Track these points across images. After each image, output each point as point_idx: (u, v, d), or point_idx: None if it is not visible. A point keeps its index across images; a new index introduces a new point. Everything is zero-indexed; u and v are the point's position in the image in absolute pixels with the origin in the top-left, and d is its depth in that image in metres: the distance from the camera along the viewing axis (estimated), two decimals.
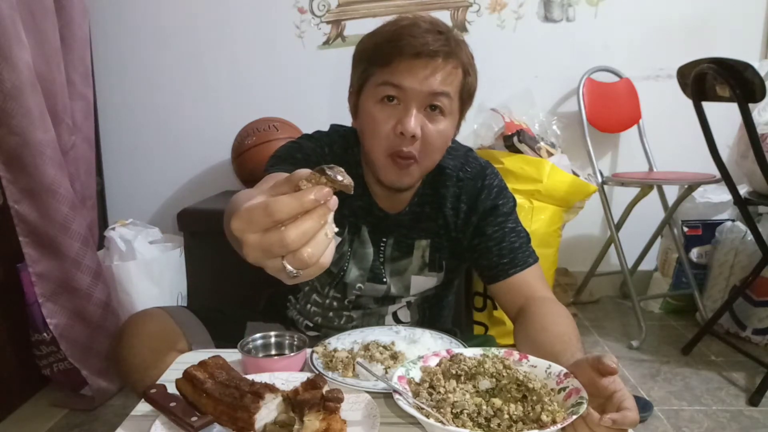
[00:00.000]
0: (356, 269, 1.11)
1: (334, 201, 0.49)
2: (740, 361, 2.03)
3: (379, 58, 0.95)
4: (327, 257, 0.50)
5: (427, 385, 0.75)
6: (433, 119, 0.96)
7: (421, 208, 1.10)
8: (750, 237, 2.11)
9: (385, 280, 1.11)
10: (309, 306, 1.17)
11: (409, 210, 1.09)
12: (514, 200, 1.12)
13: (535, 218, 2.07)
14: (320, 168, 0.49)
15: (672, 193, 2.39)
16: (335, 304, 1.14)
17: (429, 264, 1.11)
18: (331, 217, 0.50)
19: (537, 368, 0.78)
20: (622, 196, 2.47)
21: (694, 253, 2.43)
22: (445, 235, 1.10)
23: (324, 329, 1.16)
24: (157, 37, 2.48)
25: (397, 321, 1.16)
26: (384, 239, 1.11)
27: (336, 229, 0.51)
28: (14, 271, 1.70)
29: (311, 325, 1.17)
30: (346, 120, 1.14)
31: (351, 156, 1.09)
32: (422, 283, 1.13)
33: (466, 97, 1.00)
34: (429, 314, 1.19)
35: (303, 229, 0.47)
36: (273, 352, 0.93)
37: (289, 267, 0.49)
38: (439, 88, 0.93)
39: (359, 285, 1.12)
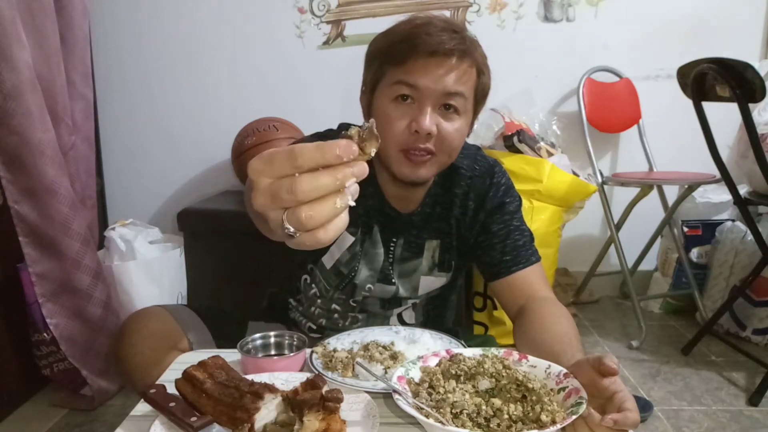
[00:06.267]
0: (366, 270, 1.11)
1: (361, 168, 0.46)
2: (740, 361, 2.03)
3: (394, 56, 0.95)
4: (329, 232, 0.47)
5: (426, 385, 0.75)
6: (448, 118, 0.95)
7: (432, 209, 1.10)
8: (750, 237, 2.11)
9: (394, 281, 1.11)
10: (313, 309, 1.16)
11: (421, 210, 1.09)
12: (520, 199, 1.12)
13: (535, 218, 2.07)
14: (357, 129, 0.47)
15: (672, 193, 2.39)
16: (339, 307, 1.14)
17: (439, 264, 1.11)
18: (351, 184, 0.47)
19: (536, 368, 0.78)
20: (622, 196, 2.47)
21: (694, 253, 2.43)
22: (455, 234, 1.10)
23: (328, 331, 1.15)
24: (157, 37, 2.48)
25: (402, 322, 1.16)
26: (394, 239, 1.10)
27: (352, 203, 0.48)
28: (14, 271, 1.70)
29: (314, 327, 1.17)
30: (347, 119, 1.14)
31: None
32: (431, 283, 1.13)
33: (480, 96, 1.00)
34: (433, 315, 1.19)
35: (316, 183, 0.45)
36: (272, 352, 0.93)
37: (287, 224, 0.46)
38: (453, 87, 0.93)
39: (369, 286, 1.11)
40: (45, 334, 1.72)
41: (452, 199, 1.09)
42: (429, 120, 0.93)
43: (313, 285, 1.16)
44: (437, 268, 1.12)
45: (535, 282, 1.04)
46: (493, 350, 0.82)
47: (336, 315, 1.15)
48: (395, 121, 0.95)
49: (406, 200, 1.08)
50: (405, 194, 1.07)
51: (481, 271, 1.11)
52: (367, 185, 1.08)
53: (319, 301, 1.15)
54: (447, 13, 2.45)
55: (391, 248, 1.11)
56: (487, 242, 1.07)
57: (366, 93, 1.02)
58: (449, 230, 1.10)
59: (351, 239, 1.09)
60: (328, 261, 1.12)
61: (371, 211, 1.09)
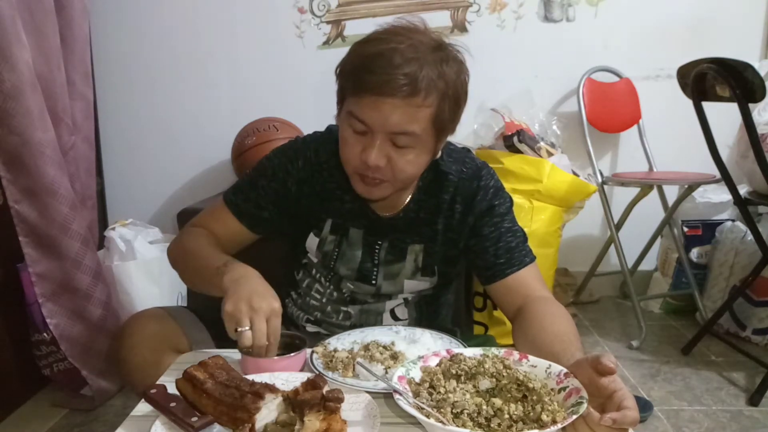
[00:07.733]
0: (345, 269, 1.12)
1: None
2: (740, 361, 2.03)
3: (349, 86, 0.95)
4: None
5: (427, 385, 0.75)
6: (399, 151, 0.95)
7: (416, 213, 1.09)
8: (750, 237, 2.11)
9: (374, 281, 1.11)
10: (309, 300, 1.17)
11: (404, 215, 1.09)
12: (511, 200, 1.11)
13: (535, 218, 2.07)
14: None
15: (672, 193, 2.39)
16: (335, 295, 1.14)
17: (422, 269, 1.11)
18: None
19: (537, 368, 0.78)
20: (622, 196, 2.47)
21: (694, 253, 2.43)
22: (441, 239, 1.10)
23: (323, 324, 1.16)
24: (157, 37, 2.48)
25: (395, 318, 1.16)
26: (379, 242, 1.11)
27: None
28: (14, 271, 1.70)
29: (312, 319, 1.17)
30: None
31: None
32: (415, 286, 1.13)
33: (439, 127, 0.96)
34: (426, 312, 1.18)
35: (259, 333, 0.84)
36: None
37: (240, 328, 0.83)
38: (398, 127, 0.92)
39: (348, 284, 1.13)
40: (45, 334, 1.72)
41: (438, 204, 1.09)
42: (375, 155, 0.93)
43: (309, 277, 1.17)
44: (420, 273, 1.11)
45: (532, 282, 1.03)
46: (494, 350, 0.82)
47: (329, 307, 1.15)
48: (349, 147, 0.97)
49: (387, 204, 1.08)
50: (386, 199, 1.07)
51: (477, 275, 1.11)
52: (348, 190, 1.07)
53: (313, 291, 1.16)
54: (447, 13, 2.45)
55: (377, 250, 1.11)
56: (479, 246, 1.07)
57: (338, 104, 1.02)
58: (434, 235, 1.10)
59: (316, 240, 1.11)
60: (313, 257, 1.14)
61: (349, 214, 1.09)
